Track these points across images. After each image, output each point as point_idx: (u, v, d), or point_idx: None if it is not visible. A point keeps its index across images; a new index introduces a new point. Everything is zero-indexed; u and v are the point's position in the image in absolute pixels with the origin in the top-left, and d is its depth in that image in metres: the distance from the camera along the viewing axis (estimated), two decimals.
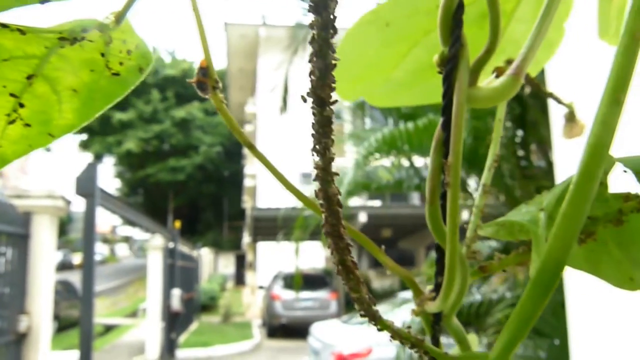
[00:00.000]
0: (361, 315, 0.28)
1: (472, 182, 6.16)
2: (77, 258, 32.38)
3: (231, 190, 38.14)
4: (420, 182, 6.08)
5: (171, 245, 12.13)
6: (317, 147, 0.24)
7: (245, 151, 32.02)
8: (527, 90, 0.50)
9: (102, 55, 0.32)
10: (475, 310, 4.92)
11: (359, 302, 0.27)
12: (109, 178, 38.36)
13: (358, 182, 5.83)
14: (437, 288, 0.32)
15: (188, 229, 35.21)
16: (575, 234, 0.23)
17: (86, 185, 5.30)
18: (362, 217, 14.88)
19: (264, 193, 22.94)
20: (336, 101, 0.24)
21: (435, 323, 0.32)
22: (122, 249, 49.22)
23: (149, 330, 11.67)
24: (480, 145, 5.23)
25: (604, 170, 0.32)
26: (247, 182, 27.36)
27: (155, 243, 11.49)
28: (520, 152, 5.76)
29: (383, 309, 6.58)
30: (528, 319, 0.25)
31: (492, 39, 0.29)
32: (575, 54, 1.49)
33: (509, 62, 0.43)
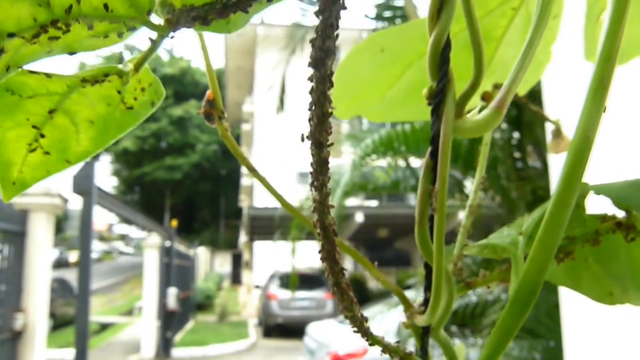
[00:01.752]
0: (354, 332, 0.30)
1: (468, 184, 6.19)
2: (73, 256, 32.32)
3: (228, 189, 38.13)
4: (416, 182, 6.10)
5: (167, 243, 12.13)
6: (315, 183, 0.26)
7: (243, 150, 31.87)
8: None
9: (119, 92, 0.34)
10: (471, 312, 4.95)
11: (353, 320, 0.29)
12: (105, 176, 38.33)
13: (355, 182, 5.86)
14: (426, 302, 0.34)
15: (184, 228, 35.22)
16: (550, 257, 0.26)
17: (83, 183, 5.31)
18: (359, 217, 14.92)
19: (260, 192, 22.95)
20: (332, 144, 0.26)
21: (424, 335, 0.34)
22: (118, 247, 49.19)
23: (145, 328, 11.68)
24: (477, 146, 5.26)
25: (582, 194, 0.34)
26: (244, 181, 27.37)
27: (152, 241, 11.50)
28: (517, 154, 5.79)
29: (379, 309, 6.60)
30: (507, 335, 0.27)
31: (477, 75, 0.31)
32: (568, 68, 1.51)
33: (496, 86, 0.45)
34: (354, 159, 5.41)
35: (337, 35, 0.25)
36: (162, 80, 0.34)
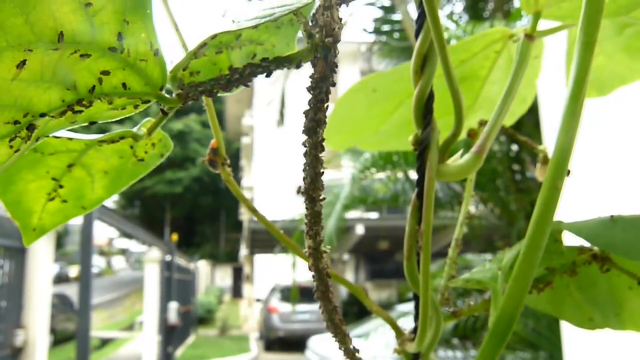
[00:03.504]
0: None
1: None
2: (73, 270, 32.23)
3: (228, 203, 38.10)
4: None
5: (168, 258, 12.12)
6: (309, 232, 0.29)
7: (243, 163, 32.06)
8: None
9: (131, 147, 0.38)
10: (472, 325, 4.96)
11: (346, 352, 0.32)
12: None
13: (355, 196, 5.89)
14: (416, 330, 0.36)
15: (185, 241, 35.16)
16: (524, 293, 0.28)
17: None
18: (359, 230, 14.92)
19: (261, 205, 22.96)
20: (324, 199, 0.29)
21: None
22: (118, 262, 49.06)
23: (146, 343, 11.63)
24: None
25: (557, 230, 0.37)
26: (245, 195, 27.34)
27: (152, 256, 11.48)
28: (515, 166, 5.82)
29: (379, 323, 6.60)
30: None
31: (457, 126, 0.34)
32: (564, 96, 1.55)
33: (481, 123, 0.48)
34: (354, 173, 5.44)
35: (327, 107, 0.28)
36: None
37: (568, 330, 2.09)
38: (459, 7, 6.74)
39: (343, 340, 0.31)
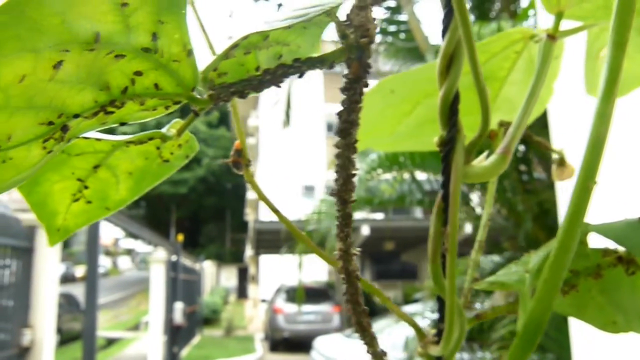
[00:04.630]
0: None
1: (474, 197, 6.20)
2: (79, 270, 32.35)
3: (233, 203, 38.16)
4: (422, 196, 6.12)
5: (174, 258, 12.14)
6: (340, 234, 0.29)
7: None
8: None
9: (157, 148, 0.37)
10: (479, 326, 4.94)
11: (374, 356, 0.32)
12: None
13: (361, 196, 5.88)
14: (439, 333, 0.36)
15: (190, 242, 35.22)
16: (553, 296, 0.28)
17: None
18: (365, 230, 14.90)
19: (266, 206, 22.93)
20: (354, 200, 0.29)
21: None
22: (124, 262, 49.22)
23: (151, 343, 11.65)
24: None
25: (584, 232, 0.36)
26: (250, 195, 27.40)
27: (158, 256, 11.50)
28: (522, 167, 5.80)
29: (386, 323, 6.58)
30: None
31: (483, 127, 0.33)
32: (574, 95, 1.54)
33: (502, 124, 0.47)
34: (360, 174, 5.44)
35: (360, 109, 0.27)
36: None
37: (577, 332, 2.08)
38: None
39: (371, 343, 0.31)
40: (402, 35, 7.26)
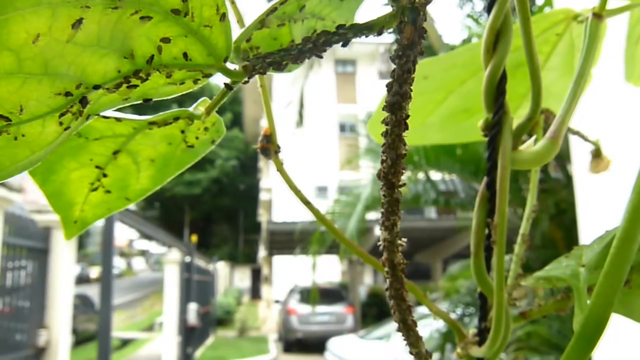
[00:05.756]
0: None
1: None
2: (94, 271, 32.59)
3: (247, 204, 38.23)
4: (437, 196, 6.07)
5: (187, 259, 12.17)
6: (386, 223, 0.26)
7: (261, 164, 32.16)
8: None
9: (182, 132, 0.35)
10: None
11: (418, 355, 0.29)
12: None
13: (375, 196, 5.85)
14: (480, 332, 0.34)
15: (204, 243, 35.32)
16: (616, 292, 0.25)
17: None
18: (378, 231, 14.85)
19: (279, 207, 22.99)
20: (404, 184, 0.26)
21: None
22: (138, 263, 49.50)
23: (165, 344, 11.69)
24: None
25: None
26: (263, 196, 27.44)
27: (172, 257, 11.54)
28: None
29: None
30: None
31: (534, 109, 0.31)
32: (603, 90, 1.50)
33: (541, 111, 0.45)
34: (375, 174, 5.41)
35: (413, 80, 0.25)
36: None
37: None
38: (479, 5, 6.68)
39: (416, 343, 0.29)
40: None
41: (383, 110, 0.25)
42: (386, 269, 0.27)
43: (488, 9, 0.29)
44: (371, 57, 25.00)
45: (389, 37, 7.50)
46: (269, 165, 26.70)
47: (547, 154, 0.30)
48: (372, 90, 23.97)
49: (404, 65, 0.24)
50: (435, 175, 6.09)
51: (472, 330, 0.35)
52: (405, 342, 0.29)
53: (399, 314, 0.28)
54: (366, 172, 6.08)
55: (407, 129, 0.26)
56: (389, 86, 0.25)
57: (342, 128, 24.50)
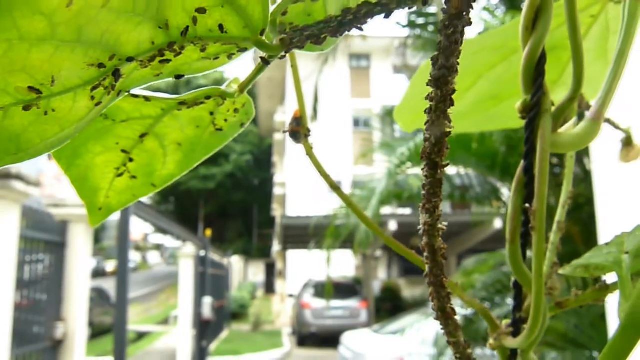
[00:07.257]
0: (457, 358, 0.29)
1: (505, 191, 6.09)
2: (110, 265, 32.88)
3: (261, 198, 38.34)
4: (451, 190, 6.03)
5: (202, 253, 12.24)
6: (427, 206, 0.25)
7: (275, 159, 32.20)
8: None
9: (211, 113, 0.34)
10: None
11: (456, 345, 0.28)
12: None
13: (390, 191, 5.82)
14: (514, 323, 0.33)
15: (218, 237, 35.50)
16: None
17: None
18: (392, 226, 14.81)
19: (293, 201, 23.03)
20: (448, 164, 0.25)
21: (512, 357, 0.33)
22: (153, 257, 49.88)
23: (180, 337, 11.77)
24: (513, 154, 5.16)
25: None
26: (277, 191, 27.49)
27: (187, 251, 11.60)
28: (554, 159, 5.68)
29: (415, 319, 6.53)
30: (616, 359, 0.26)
31: (575, 88, 0.30)
32: (632, 77, 1.47)
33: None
34: (390, 168, 5.38)
35: (460, 53, 0.24)
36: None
37: (615, 329, 2.01)
38: None
39: (454, 333, 0.28)
40: (431, 28, 7.16)
41: (427, 85, 0.24)
42: (425, 254, 0.26)
43: None
44: (386, 51, 24.88)
45: (403, 32, 7.44)
46: (282, 160, 26.73)
47: (588, 136, 0.29)
48: (387, 85, 23.89)
49: (452, 36, 0.23)
50: (451, 170, 6.05)
51: (505, 321, 0.34)
52: (442, 330, 0.28)
53: (438, 301, 0.27)
54: (380, 167, 6.06)
55: (452, 105, 0.25)
56: (434, 59, 0.24)
57: (357, 123, 24.45)
